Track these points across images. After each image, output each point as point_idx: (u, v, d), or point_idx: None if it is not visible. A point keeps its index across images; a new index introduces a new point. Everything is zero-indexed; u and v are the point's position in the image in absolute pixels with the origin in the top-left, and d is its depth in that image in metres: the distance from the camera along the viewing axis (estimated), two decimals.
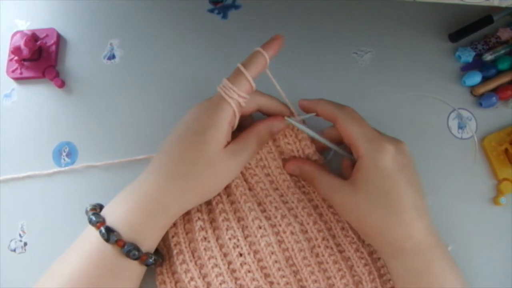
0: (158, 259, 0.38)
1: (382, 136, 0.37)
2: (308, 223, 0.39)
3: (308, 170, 0.39)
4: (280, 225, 0.39)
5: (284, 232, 0.39)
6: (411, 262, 0.34)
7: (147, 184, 0.37)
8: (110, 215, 0.36)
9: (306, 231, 0.39)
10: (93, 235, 0.35)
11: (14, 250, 0.45)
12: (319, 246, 0.39)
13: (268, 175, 0.41)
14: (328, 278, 0.38)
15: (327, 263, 0.38)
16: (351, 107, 0.38)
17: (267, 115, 0.40)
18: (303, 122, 0.40)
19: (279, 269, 0.38)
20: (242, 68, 0.36)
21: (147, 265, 0.37)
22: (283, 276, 0.38)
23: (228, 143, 0.37)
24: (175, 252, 0.40)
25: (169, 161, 0.37)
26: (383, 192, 0.34)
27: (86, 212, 0.37)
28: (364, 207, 0.35)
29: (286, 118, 0.39)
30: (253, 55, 0.37)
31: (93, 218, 0.36)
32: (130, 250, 0.35)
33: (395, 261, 0.35)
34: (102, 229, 0.35)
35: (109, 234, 0.34)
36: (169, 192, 0.36)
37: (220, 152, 0.36)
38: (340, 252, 0.39)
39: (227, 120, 0.36)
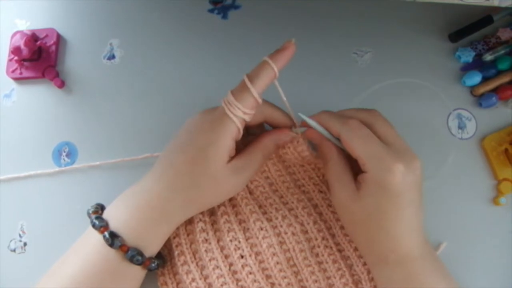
0: (160, 263, 0.38)
1: (390, 152, 0.33)
2: (308, 223, 0.39)
3: (328, 149, 0.37)
4: (281, 226, 0.39)
5: (286, 233, 0.39)
6: (392, 273, 0.34)
7: (150, 193, 0.36)
8: (113, 219, 0.36)
9: (307, 231, 0.39)
10: (95, 238, 0.35)
11: (14, 250, 0.45)
12: (319, 246, 0.39)
13: (267, 178, 0.41)
14: (328, 278, 0.38)
15: (327, 262, 0.39)
16: (355, 119, 0.35)
17: (271, 125, 0.40)
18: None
19: (280, 270, 0.38)
20: (248, 83, 0.35)
21: (150, 269, 0.37)
22: (285, 277, 0.38)
23: (233, 157, 0.37)
24: (176, 253, 0.40)
25: (172, 173, 0.36)
26: (381, 210, 0.33)
27: (89, 215, 0.37)
28: (359, 215, 0.35)
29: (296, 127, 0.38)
30: (261, 66, 0.35)
31: (97, 222, 0.35)
32: (134, 256, 0.35)
33: (377, 270, 0.36)
34: (106, 234, 0.34)
35: (113, 239, 0.34)
36: (172, 202, 0.36)
37: (222, 168, 0.36)
38: (340, 251, 0.39)
39: (230, 137, 0.36)
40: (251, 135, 0.41)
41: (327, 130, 0.37)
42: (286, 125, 0.39)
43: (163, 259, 0.40)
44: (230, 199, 0.41)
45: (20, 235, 0.45)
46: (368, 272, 0.38)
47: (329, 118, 0.36)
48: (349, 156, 0.36)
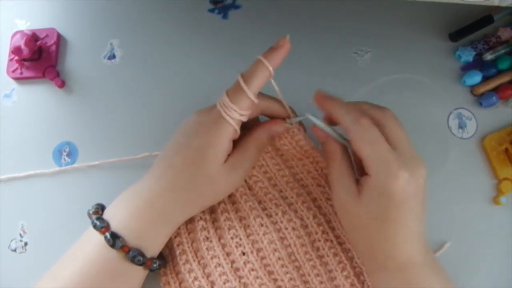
0: (162, 263, 0.38)
1: (397, 158, 0.32)
2: (308, 218, 0.39)
3: (333, 148, 0.36)
4: (281, 222, 0.39)
5: (286, 229, 0.39)
6: (392, 280, 0.34)
7: (150, 193, 0.36)
8: (114, 220, 0.36)
9: (307, 226, 0.39)
10: (96, 239, 0.35)
11: (15, 250, 0.45)
12: (319, 240, 0.39)
13: (266, 172, 0.41)
14: (330, 271, 0.39)
15: (328, 256, 0.39)
16: (367, 119, 0.34)
17: (268, 116, 0.40)
18: (300, 123, 0.40)
19: (282, 266, 0.39)
20: (243, 85, 0.34)
21: (151, 270, 0.37)
22: (287, 273, 0.39)
23: (229, 154, 0.37)
24: (178, 252, 0.40)
25: (171, 173, 0.36)
26: (381, 216, 0.33)
27: (89, 215, 0.37)
28: (359, 219, 0.34)
29: (309, 116, 0.38)
30: (256, 66, 0.34)
31: (98, 223, 0.35)
32: (135, 256, 0.35)
33: (376, 276, 0.35)
34: (107, 234, 0.34)
35: (115, 240, 0.34)
36: (172, 203, 0.36)
37: (219, 168, 0.36)
38: (340, 244, 0.39)
39: (227, 139, 0.36)
40: (245, 128, 0.40)
41: (339, 123, 0.35)
42: (283, 115, 0.39)
43: (165, 259, 0.40)
44: (230, 196, 0.41)
45: (20, 235, 0.45)
46: None
47: (341, 111, 0.35)
48: (355, 157, 0.36)
